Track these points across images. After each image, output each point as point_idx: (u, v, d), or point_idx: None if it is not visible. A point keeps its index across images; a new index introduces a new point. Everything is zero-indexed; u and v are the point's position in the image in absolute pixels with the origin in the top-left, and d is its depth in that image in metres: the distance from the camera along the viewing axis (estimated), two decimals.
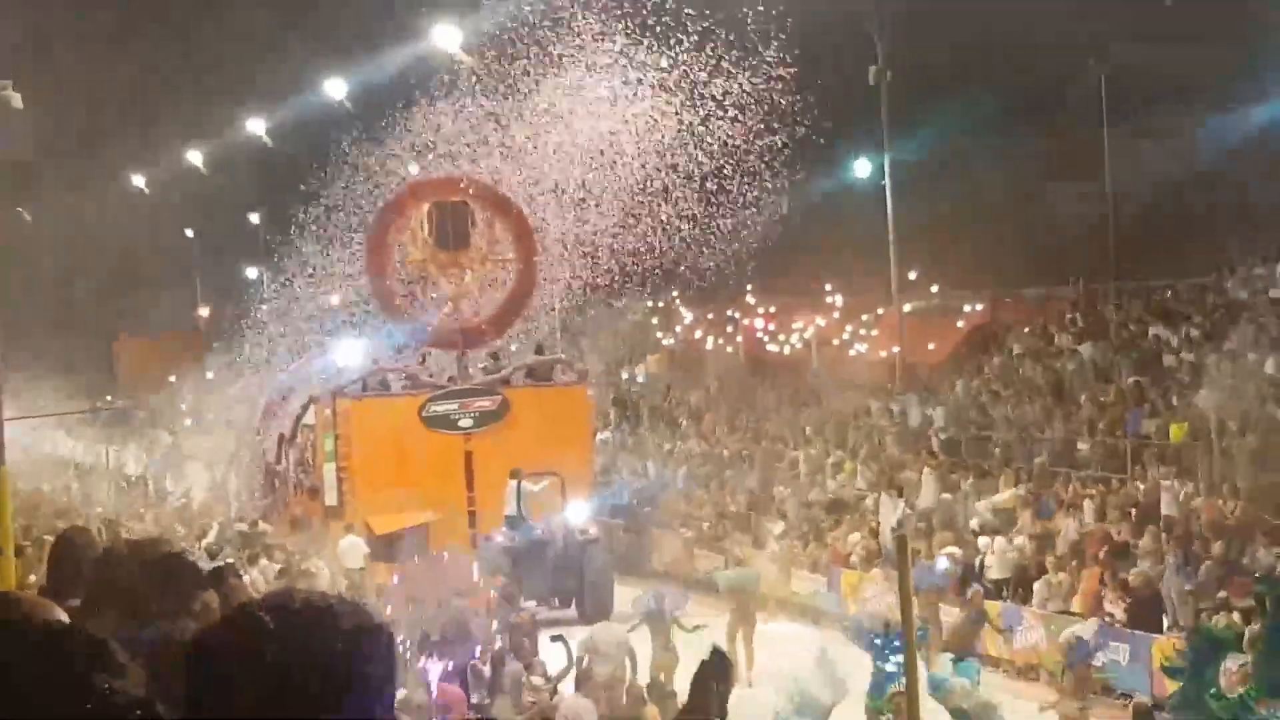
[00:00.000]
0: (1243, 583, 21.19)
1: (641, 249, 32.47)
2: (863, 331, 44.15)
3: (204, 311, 65.73)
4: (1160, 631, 21.23)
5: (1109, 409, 30.06)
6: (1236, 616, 19.35)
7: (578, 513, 28.43)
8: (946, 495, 28.43)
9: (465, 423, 30.11)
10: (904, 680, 12.69)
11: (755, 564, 25.72)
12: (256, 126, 47.91)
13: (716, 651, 13.65)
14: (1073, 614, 22.63)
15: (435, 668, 16.56)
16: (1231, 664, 16.62)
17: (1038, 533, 25.25)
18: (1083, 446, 28.91)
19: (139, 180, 61.06)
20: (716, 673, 12.79)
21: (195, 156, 54.47)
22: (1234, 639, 17.32)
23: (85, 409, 53.24)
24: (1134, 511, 24.64)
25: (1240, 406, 27.36)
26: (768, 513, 31.08)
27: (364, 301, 35.11)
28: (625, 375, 45.11)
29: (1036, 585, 23.79)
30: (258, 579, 21.67)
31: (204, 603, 4.55)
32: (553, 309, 35.27)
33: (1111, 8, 33.82)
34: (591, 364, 34.65)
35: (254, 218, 58.34)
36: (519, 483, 27.76)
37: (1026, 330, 39.02)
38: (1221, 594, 21.03)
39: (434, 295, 31.94)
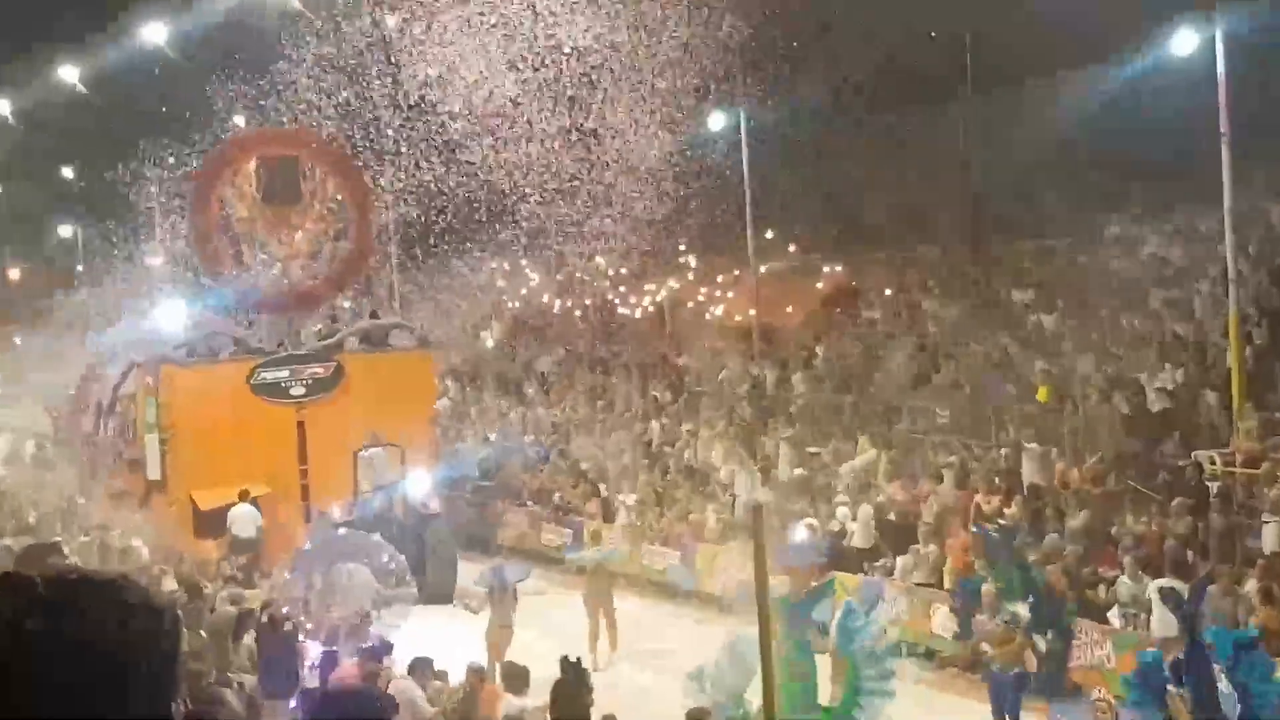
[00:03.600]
0: (1109, 554, 20.63)
1: (484, 203, 31.13)
2: (718, 294, 43.03)
3: (14, 274, 63.02)
4: None
5: (971, 372, 29.29)
6: None
7: (419, 485, 27.37)
8: (803, 468, 27.37)
9: (297, 391, 28.82)
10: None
11: (606, 538, 24.54)
12: (69, 74, 45.14)
13: (568, 663, 12.70)
14: (932, 585, 21.77)
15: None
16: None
17: (901, 499, 24.17)
18: (944, 413, 28.02)
19: None
20: (574, 685, 12.31)
21: (1, 106, 51.48)
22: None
23: None
24: (998, 479, 23.67)
25: (1105, 369, 26.75)
26: (619, 485, 29.78)
27: (188, 262, 33.23)
28: (468, 340, 43.58)
29: (901, 559, 22.67)
30: (76, 558, 20.55)
31: None
32: (389, 269, 33.68)
33: None
34: (432, 328, 33.07)
35: (68, 172, 55.46)
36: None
37: (887, 292, 38.21)
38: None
39: (263, 256, 30.11)
